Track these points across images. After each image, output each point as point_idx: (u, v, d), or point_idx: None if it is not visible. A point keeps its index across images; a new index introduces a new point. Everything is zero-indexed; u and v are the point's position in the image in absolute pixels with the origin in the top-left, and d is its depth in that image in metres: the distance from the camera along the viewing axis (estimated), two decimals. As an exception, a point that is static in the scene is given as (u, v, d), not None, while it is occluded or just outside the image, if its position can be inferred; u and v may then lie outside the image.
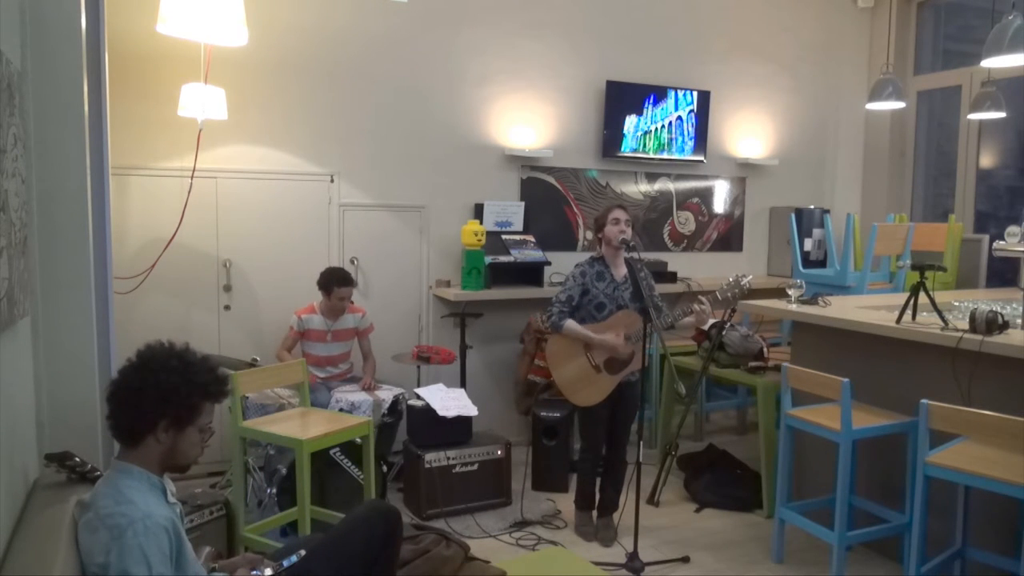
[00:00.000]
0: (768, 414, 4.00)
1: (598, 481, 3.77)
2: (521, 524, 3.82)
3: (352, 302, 4.30)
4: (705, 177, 5.74)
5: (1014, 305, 3.49)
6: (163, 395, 1.78)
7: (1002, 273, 5.14)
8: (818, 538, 3.30)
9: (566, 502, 3.98)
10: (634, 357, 3.53)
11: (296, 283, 4.42)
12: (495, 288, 4.68)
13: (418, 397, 3.98)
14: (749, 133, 5.86)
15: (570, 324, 3.54)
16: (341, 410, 3.90)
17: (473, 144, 4.95)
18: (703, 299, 3.50)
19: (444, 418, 3.90)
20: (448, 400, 3.99)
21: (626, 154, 5.33)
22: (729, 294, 3.53)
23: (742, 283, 3.51)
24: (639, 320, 3.45)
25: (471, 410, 3.99)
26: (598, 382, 3.55)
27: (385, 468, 3.94)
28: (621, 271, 3.61)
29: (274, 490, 3.48)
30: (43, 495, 2.10)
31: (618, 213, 3.54)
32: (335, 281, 4.11)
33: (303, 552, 2.13)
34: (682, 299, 3.57)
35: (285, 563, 2.08)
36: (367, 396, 4.04)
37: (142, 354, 1.84)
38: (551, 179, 5.21)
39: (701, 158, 5.58)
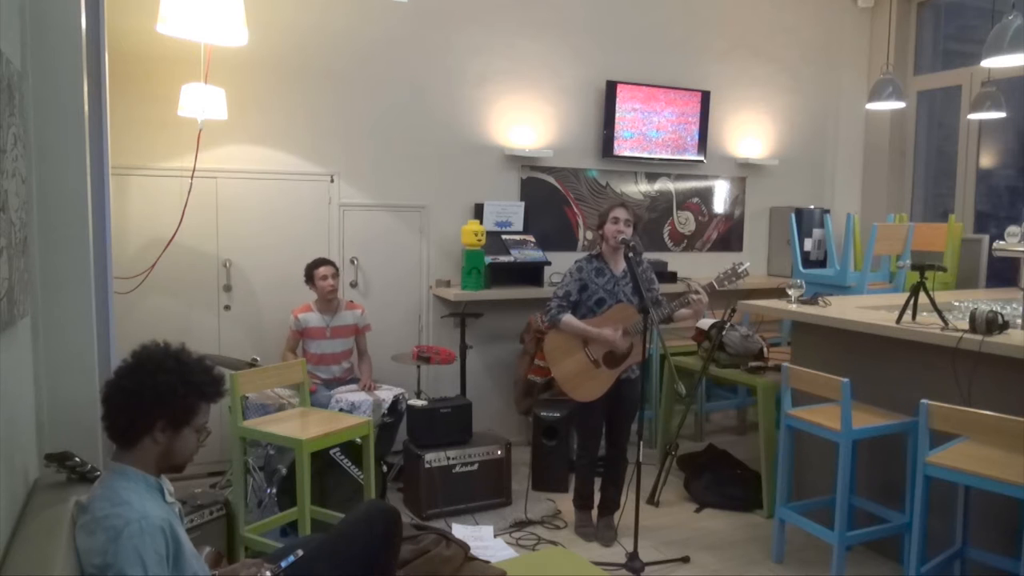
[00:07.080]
0: (768, 414, 4.00)
1: (598, 480, 3.77)
2: (521, 524, 3.82)
3: (351, 301, 4.30)
4: (705, 177, 5.74)
5: (1014, 305, 3.49)
6: (159, 396, 1.77)
7: (1002, 273, 5.13)
8: (818, 538, 3.30)
9: (566, 502, 3.97)
10: (633, 350, 3.53)
11: (296, 283, 4.39)
12: (495, 288, 4.67)
13: (418, 397, 3.97)
14: (749, 133, 5.86)
15: (568, 319, 3.54)
16: (341, 410, 3.89)
17: (473, 144, 4.95)
18: (699, 288, 3.50)
19: (444, 418, 3.89)
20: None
21: (626, 154, 5.33)
22: (726, 281, 3.53)
23: (739, 270, 3.51)
24: (636, 314, 3.45)
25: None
26: (597, 377, 3.55)
27: (385, 468, 3.94)
28: (620, 266, 3.60)
29: (274, 490, 3.48)
30: (43, 495, 2.09)
31: (618, 212, 3.54)
32: (313, 264, 4.14)
33: (300, 552, 2.13)
34: (681, 296, 3.57)
35: (283, 563, 2.08)
36: (367, 396, 4.03)
37: (137, 355, 1.82)
38: (551, 179, 5.21)
39: (701, 158, 5.57)
